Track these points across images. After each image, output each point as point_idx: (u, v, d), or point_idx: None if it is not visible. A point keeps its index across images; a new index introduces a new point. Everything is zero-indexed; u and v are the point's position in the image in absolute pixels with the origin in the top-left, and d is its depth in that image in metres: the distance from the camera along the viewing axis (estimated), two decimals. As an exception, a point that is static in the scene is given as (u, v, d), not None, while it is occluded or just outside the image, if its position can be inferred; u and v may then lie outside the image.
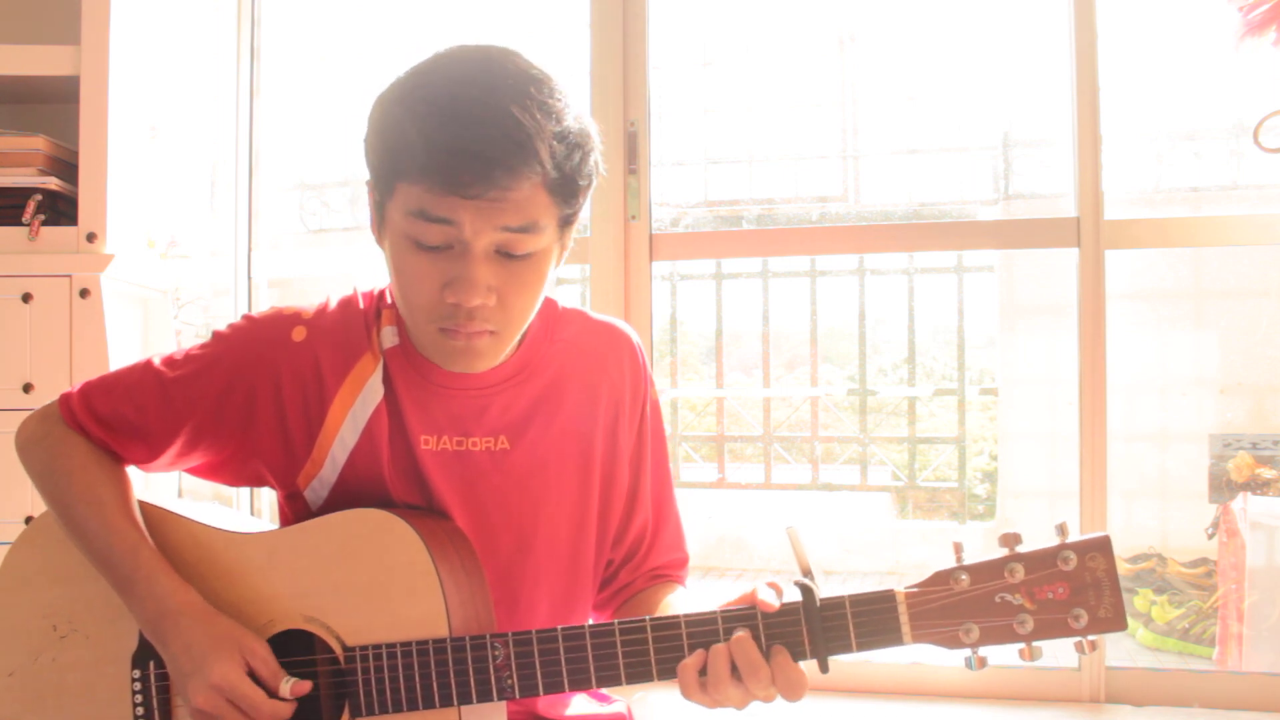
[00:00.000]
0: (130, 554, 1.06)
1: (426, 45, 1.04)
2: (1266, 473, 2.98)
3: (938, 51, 4.60)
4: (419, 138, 0.95)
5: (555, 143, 0.97)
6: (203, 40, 2.47)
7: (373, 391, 1.09)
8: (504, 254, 0.99)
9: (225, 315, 2.49)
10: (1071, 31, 2.05)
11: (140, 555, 1.06)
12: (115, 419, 1.10)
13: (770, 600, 0.95)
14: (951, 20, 4.59)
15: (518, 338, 1.07)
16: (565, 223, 1.03)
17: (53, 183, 1.95)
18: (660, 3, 2.27)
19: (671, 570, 1.22)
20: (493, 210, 0.96)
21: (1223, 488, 3.02)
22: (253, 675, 1.02)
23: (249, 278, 2.43)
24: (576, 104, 1.01)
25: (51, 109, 2.10)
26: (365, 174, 1.05)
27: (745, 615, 0.96)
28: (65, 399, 1.12)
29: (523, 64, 0.99)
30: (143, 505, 1.12)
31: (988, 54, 4.49)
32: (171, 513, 1.12)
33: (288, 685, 1.01)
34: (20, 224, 1.91)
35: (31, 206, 1.91)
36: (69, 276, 1.88)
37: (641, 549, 1.20)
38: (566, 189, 0.99)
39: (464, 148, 0.94)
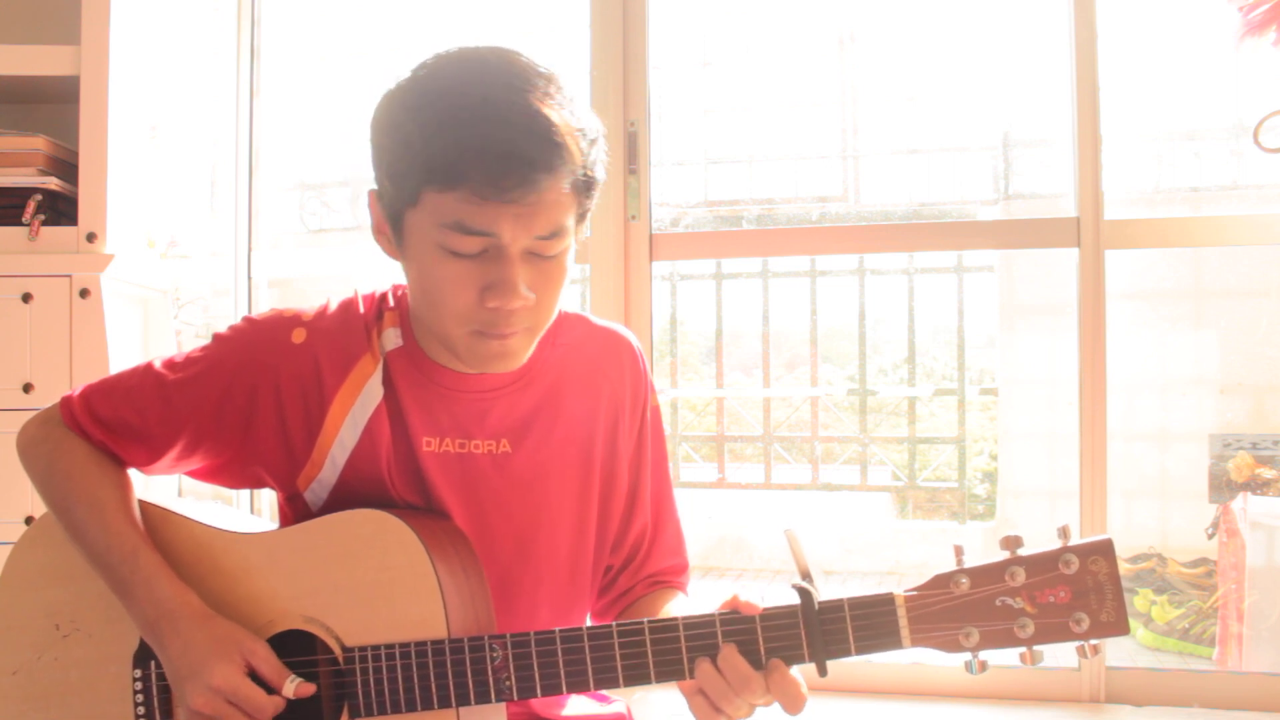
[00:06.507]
0: (129, 556, 1.05)
1: (426, 46, 1.03)
2: (1266, 473, 2.98)
3: (938, 51, 4.60)
4: (454, 144, 0.93)
5: (581, 140, 0.98)
6: (203, 40, 2.47)
7: (372, 393, 1.09)
8: (535, 255, 0.99)
9: (225, 315, 2.49)
10: (1071, 31, 2.05)
11: (139, 558, 1.05)
12: (116, 422, 1.10)
13: (753, 602, 0.96)
14: (951, 20, 4.58)
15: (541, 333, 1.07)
16: (581, 218, 1.03)
17: (53, 183, 1.95)
18: (660, 3, 2.27)
19: (671, 576, 1.22)
20: (529, 215, 0.96)
21: (1223, 488, 3.02)
22: (255, 676, 1.01)
23: (249, 278, 2.43)
24: (580, 97, 1.01)
25: (51, 109, 2.10)
26: (368, 179, 1.04)
27: (744, 619, 0.96)
28: (66, 402, 1.12)
29: (528, 62, 0.99)
30: (143, 505, 1.12)
31: (988, 54, 4.48)
32: (172, 512, 1.12)
33: (292, 685, 1.01)
34: (20, 224, 1.91)
35: (31, 206, 1.91)
36: (69, 276, 1.88)
37: (640, 553, 1.20)
38: (588, 186, 1.01)
39: (504, 151, 0.93)
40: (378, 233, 1.06)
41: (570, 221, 1.00)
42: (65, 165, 1.99)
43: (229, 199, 2.44)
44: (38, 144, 1.95)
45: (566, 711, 1.21)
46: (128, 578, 1.05)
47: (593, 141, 1.00)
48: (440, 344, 1.07)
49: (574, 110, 0.98)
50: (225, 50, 2.42)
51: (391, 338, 1.11)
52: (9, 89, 2.05)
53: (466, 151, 0.93)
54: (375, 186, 1.04)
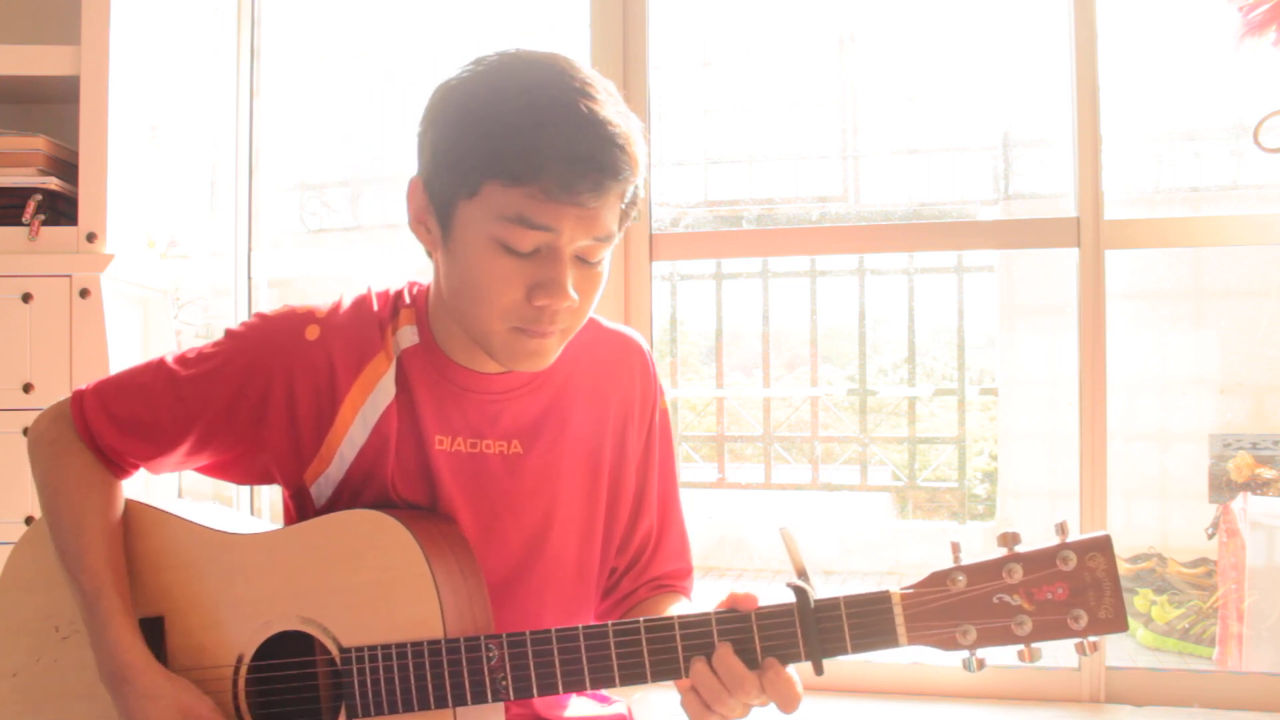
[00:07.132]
0: (92, 594, 1.05)
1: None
2: (1266, 473, 2.99)
3: (938, 51, 4.60)
4: (530, 140, 0.94)
5: (642, 154, 1.00)
6: (203, 40, 2.47)
7: (384, 392, 1.09)
8: (582, 260, 1.01)
9: (225, 315, 2.50)
10: (1071, 31, 2.05)
11: (101, 598, 1.05)
12: (127, 418, 1.10)
13: (750, 596, 0.96)
14: (951, 20, 4.59)
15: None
16: (620, 228, 1.04)
17: (53, 183, 1.95)
18: (660, 3, 2.27)
19: (674, 580, 1.22)
20: (590, 219, 0.97)
21: (1223, 488, 3.02)
22: None
23: (249, 278, 2.43)
24: None
25: (51, 109, 2.10)
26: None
27: (739, 617, 0.96)
28: (78, 397, 1.12)
29: (591, 70, 1.01)
30: (142, 506, 1.11)
31: (988, 54, 4.49)
32: (170, 514, 1.11)
33: None
34: (20, 224, 1.91)
35: (31, 206, 1.91)
36: (69, 276, 1.88)
37: (644, 556, 1.20)
38: (633, 199, 1.02)
39: (582, 153, 0.94)
40: (416, 222, 1.06)
41: (616, 229, 1.02)
42: (65, 165, 1.99)
43: (229, 199, 2.44)
44: (38, 144, 1.95)
45: (568, 712, 1.21)
46: (88, 617, 1.05)
47: (645, 155, 1.02)
48: (473, 339, 1.06)
49: (636, 124, 1.00)
50: (225, 50, 2.42)
51: (407, 335, 1.11)
52: (9, 89, 2.05)
53: (543, 149, 0.94)
54: (420, 174, 1.04)
